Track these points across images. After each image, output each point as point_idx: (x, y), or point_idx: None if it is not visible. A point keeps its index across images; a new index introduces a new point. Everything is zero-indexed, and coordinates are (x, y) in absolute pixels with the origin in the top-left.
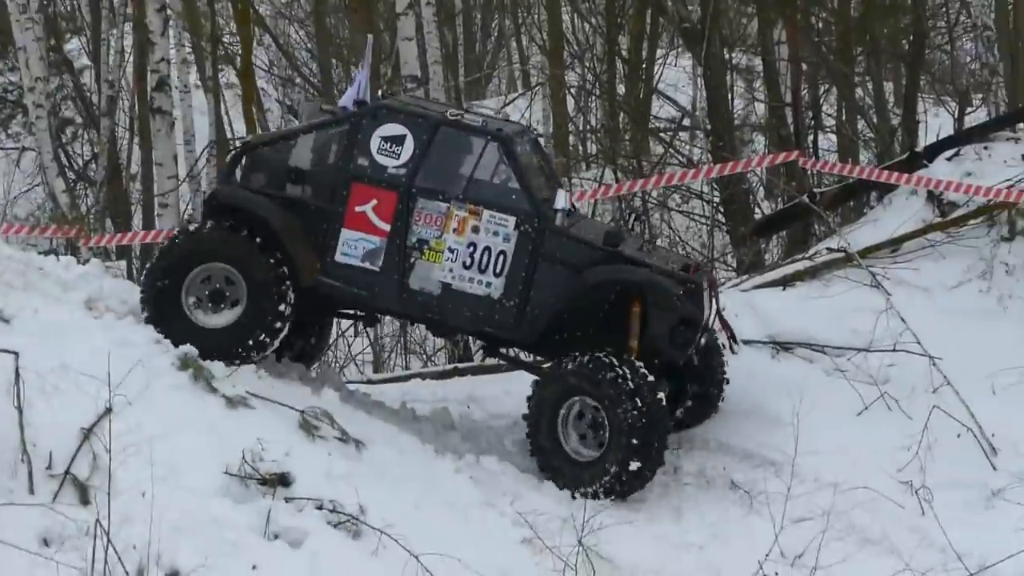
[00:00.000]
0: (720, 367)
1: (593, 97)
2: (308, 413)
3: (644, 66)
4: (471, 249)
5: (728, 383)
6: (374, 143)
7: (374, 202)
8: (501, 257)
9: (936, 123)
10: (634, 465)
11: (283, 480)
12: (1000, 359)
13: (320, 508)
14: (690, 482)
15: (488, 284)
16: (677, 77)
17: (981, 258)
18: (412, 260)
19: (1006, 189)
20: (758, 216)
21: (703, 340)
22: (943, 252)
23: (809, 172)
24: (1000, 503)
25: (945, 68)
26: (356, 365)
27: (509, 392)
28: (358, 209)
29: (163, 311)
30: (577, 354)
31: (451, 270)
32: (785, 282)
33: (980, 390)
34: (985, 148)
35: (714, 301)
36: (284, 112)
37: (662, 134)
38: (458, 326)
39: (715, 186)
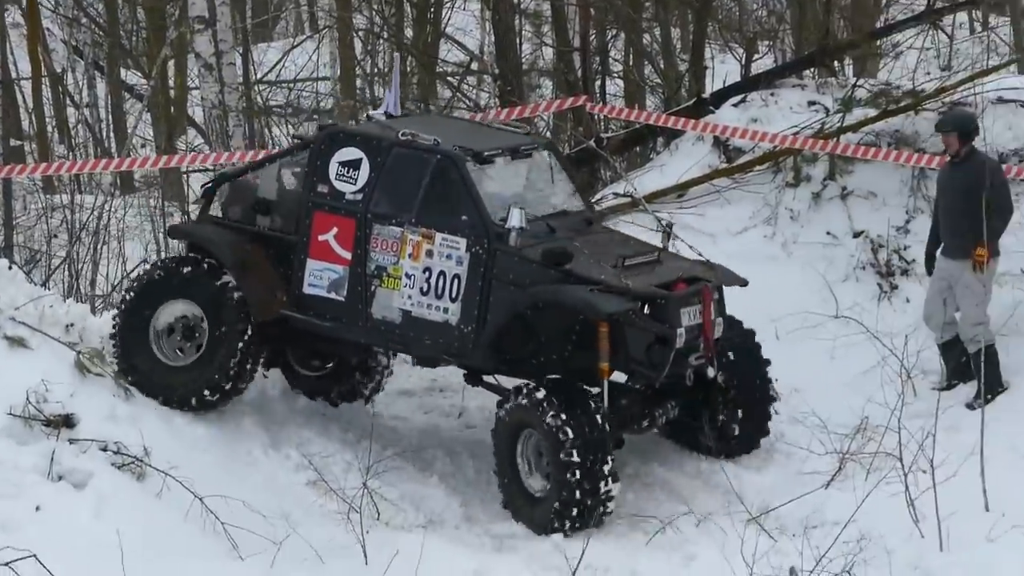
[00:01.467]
0: (754, 391)
1: (381, 41)
2: (84, 354)
3: (432, 10)
4: (427, 274)
5: (772, 413)
6: (332, 169)
7: (335, 230)
8: (456, 281)
9: (723, 69)
10: (575, 499)
11: (67, 422)
12: (784, 304)
13: (104, 450)
14: (477, 424)
15: (445, 310)
16: (465, 21)
17: (766, 204)
18: (373, 288)
19: (791, 136)
20: None
21: (696, 360)
22: (728, 198)
23: (596, 117)
24: (782, 447)
25: (732, 15)
26: None
27: None
28: (321, 238)
29: (129, 347)
30: (534, 383)
31: (410, 297)
32: None
33: (764, 336)
34: (771, 95)
35: (703, 316)
36: (88, 69)
37: (450, 78)
38: (421, 354)
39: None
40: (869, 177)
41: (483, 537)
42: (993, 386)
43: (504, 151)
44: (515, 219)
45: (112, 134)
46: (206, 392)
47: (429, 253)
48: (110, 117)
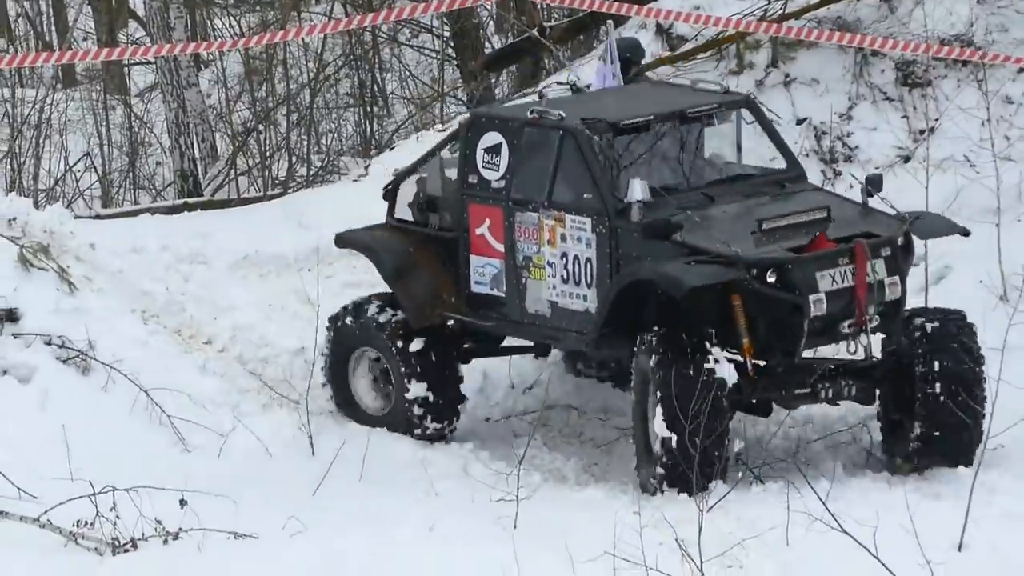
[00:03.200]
0: (953, 390)
1: None
2: (27, 248)
3: None
4: (564, 260)
5: (982, 416)
6: (479, 157)
7: (487, 222)
8: (588, 265)
9: None
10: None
11: (11, 316)
12: None
13: (49, 343)
14: None
15: (584, 297)
16: None
17: None
18: (524, 280)
19: (736, 19)
20: (488, 51)
21: (849, 328)
22: None
23: (539, 6)
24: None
25: None
26: (84, 200)
27: (249, 223)
28: (477, 232)
29: (341, 395)
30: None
31: (554, 286)
32: None
33: None
34: None
35: (857, 277)
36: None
37: None
38: (568, 348)
39: (445, 21)
40: (812, 64)
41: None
42: None
43: (661, 117)
44: (636, 191)
45: (53, 27)
46: (420, 432)
47: (563, 237)
48: (50, 10)
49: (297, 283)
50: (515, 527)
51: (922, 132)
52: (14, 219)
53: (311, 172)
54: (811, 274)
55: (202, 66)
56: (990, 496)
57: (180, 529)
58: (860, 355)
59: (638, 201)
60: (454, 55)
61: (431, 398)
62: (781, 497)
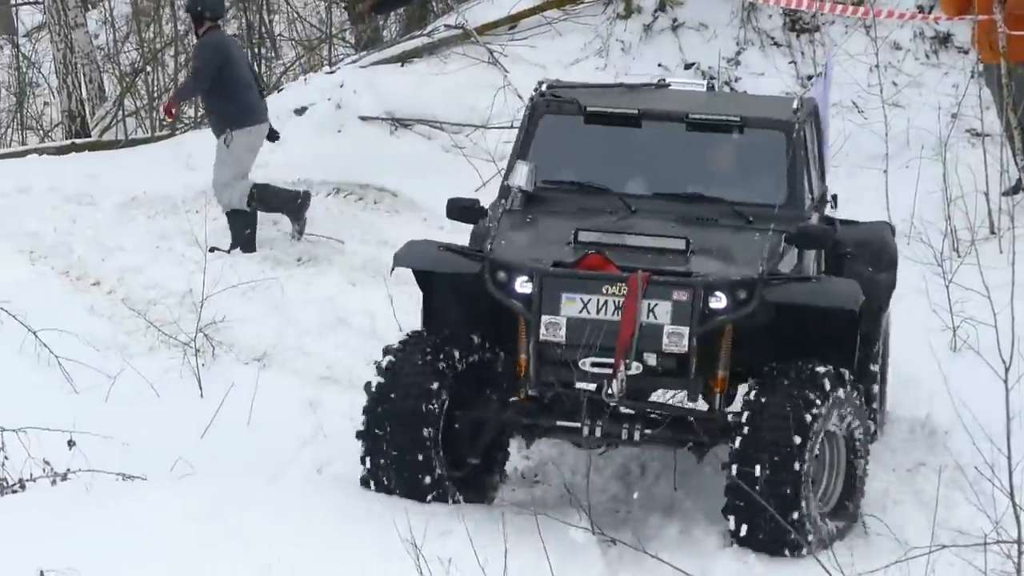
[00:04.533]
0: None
1: None
2: None
3: None
4: None
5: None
6: None
7: None
8: None
9: None
10: None
11: None
12: None
13: None
14: None
15: None
16: None
17: (597, 36)
18: None
19: None
20: None
21: (594, 368)
22: (560, 29)
23: None
24: None
25: None
26: None
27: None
28: None
29: None
30: None
31: None
32: (403, 59)
33: None
34: None
35: (624, 311)
36: None
37: None
38: None
39: None
40: (699, 9)
41: (319, 367)
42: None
43: (650, 115)
44: (516, 176)
45: None
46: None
47: None
48: None
49: (185, 224)
50: None
51: (810, 78)
52: None
53: (199, 113)
54: (555, 293)
55: (90, 6)
56: None
57: (68, 470)
58: (614, 399)
59: (517, 187)
60: None
61: None
62: None
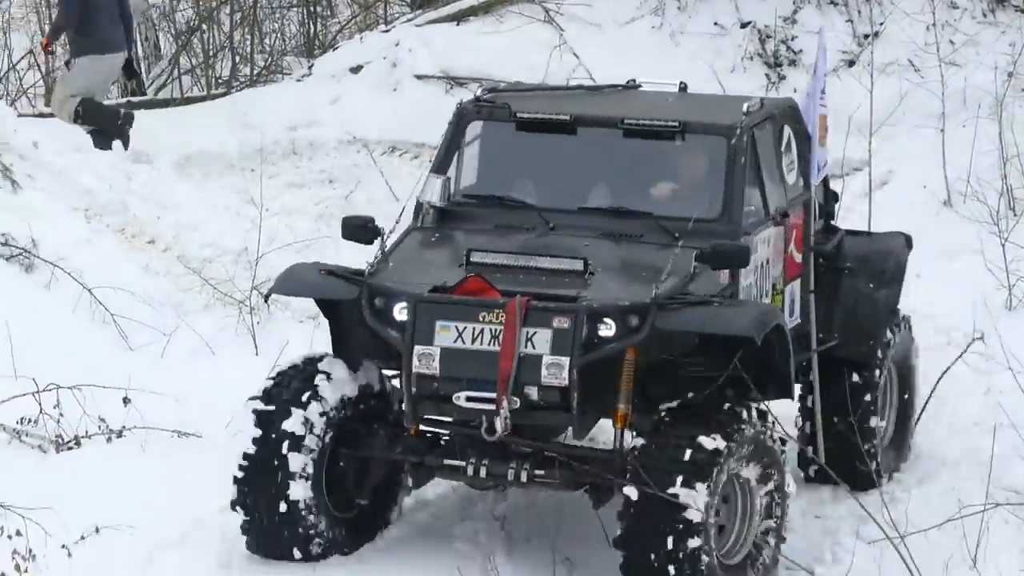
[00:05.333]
0: None
1: None
2: None
3: None
4: None
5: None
6: None
7: None
8: None
9: None
10: None
11: None
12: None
13: None
14: None
15: None
16: None
17: None
18: None
19: None
20: None
21: (469, 403)
22: None
23: None
24: None
25: None
26: (28, 98)
27: (192, 123)
28: None
29: None
30: None
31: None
32: (459, 17)
33: None
34: None
35: (503, 340)
36: None
37: None
38: None
39: None
40: None
41: None
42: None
43: (584, 121)
44: (428, 191)
45: None
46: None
47: None
48: None
49: (240, 183)
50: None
51: (867, 36)
52: None
53: (254, 72)
54: (429, 321)
55: None
56: None
57: (123, 427)
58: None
59: (427, 203)
60: None
61: None
62: None
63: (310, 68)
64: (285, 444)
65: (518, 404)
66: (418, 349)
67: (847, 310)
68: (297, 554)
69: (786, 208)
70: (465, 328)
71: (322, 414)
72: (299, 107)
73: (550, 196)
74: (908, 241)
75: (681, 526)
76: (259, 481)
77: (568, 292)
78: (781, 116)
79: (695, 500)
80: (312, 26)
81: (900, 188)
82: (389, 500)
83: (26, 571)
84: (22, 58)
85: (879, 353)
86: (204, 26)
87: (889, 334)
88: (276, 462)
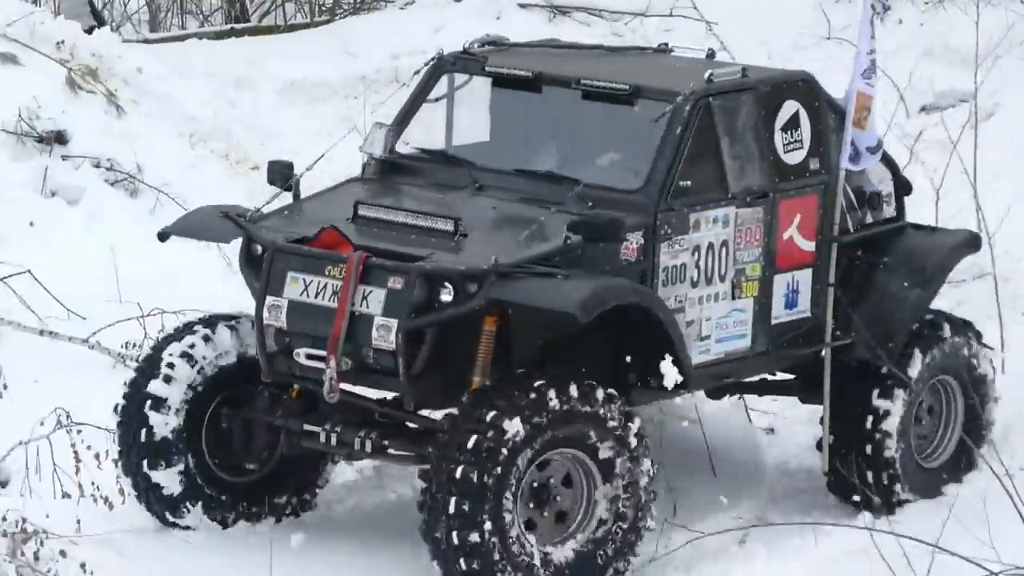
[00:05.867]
0: None
1: None
2: (76, 71)
3: None
4: None
5: None
6: None
7: None
8: None
9: None
10: None
11: (59, 138)
12: (777, 26)
13: (97, 166)
14: None
15: None
16: None
17: None
18: None
19: None
20: None
21: (308, 360)
22: None
23: None
24: None
25: None
26: (132, 24)
27: (295, 50)
28: None
29: None
30: None
31: None
32: None
33: (756, 56)
34: None
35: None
36: None
37: None
38: None
39: None
40: None
41: None
42: None
43: (546, 79)
44: (371, 142)
45: None
46: None
47: None
48: None
49: (343, 110)
50: None
51: None
52: (62, 42)
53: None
54: (282, 271)
55: None
56: None
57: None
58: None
59: (369, 154)
60: None
61: None
62: None
63: None
64: (147, 404)
65: (349, 365)
66: (269, 300)
67: (871, 307)
68: (169, 518)
69: (772, 189)
70: (312, 281)
71: (190, 376)
72: (402, 35)
73: (496, 156)
74: (973, 240)
75: (475, 515)
76: (125, 442)
77: (420, 252)
78: (778, 90)
79: (493, 489)
80: None
81: (1006, 120)
82: (310, 469)
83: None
84: None
85: (907, 371)
86: None
87: (921, 352)
88: (139, 423)
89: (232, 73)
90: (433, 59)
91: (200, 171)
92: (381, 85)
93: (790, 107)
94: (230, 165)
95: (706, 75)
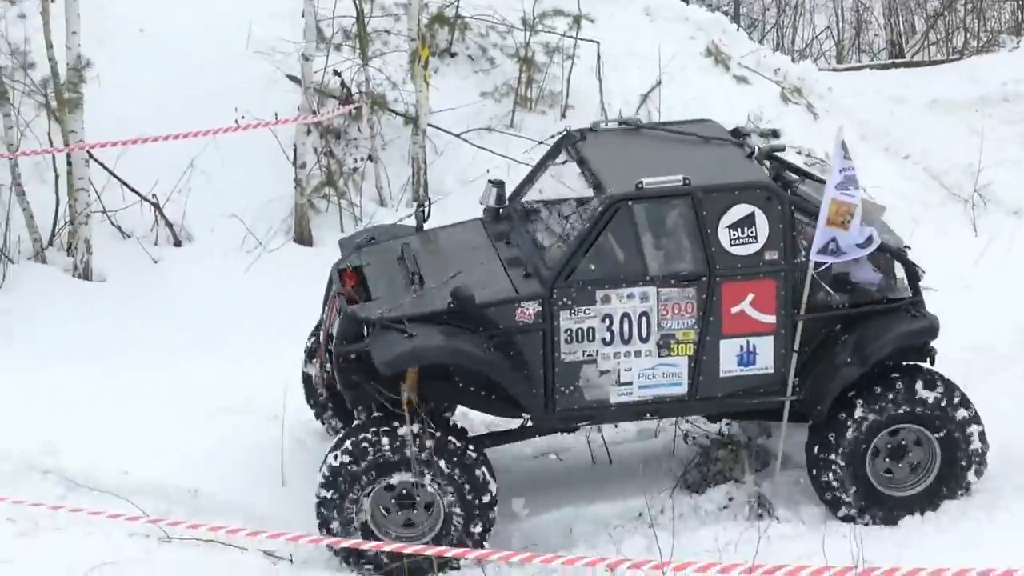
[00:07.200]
0: None
1: None
2: (786, 88)
3: None
4: None
5: None
6: None
7: None
8: None
9: None
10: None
11: (774, 133)
12: None
13: (799, 153)
14: None
15: None
16: None
17: None
18: None
19: None
20: None
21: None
22: None
23: None
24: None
25: None
26: (824, 57)
27: (936, 79)
28: None
29: None
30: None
31: None
32: None
33: None
34: None
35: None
36: None
37: None
38: None
39: None
40: None
41: None
42: None
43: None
44: (485, 196)
45: None
46: None
47: None
48: None
49: (972, 121)
50: None
51: None
52: (778, 69)
53: (979, 44)
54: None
55: None
56: None
57: None
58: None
59: (483, 204)
60: None
61: None
62: None
63: (1017, 43)
64: None
65: (327, 369)
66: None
67: (818, 372)
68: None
69: (709, 274)
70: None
71: None
72: (1012, 67)
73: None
74: (928, 330)
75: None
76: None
77: (390, 297)
78: (727, 196)
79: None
80: (1021, 13)
81: None
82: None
83: None
84: (821, 32)
85: (845, 432)
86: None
87: (861, 411)
88: None
89: (891, 93)
90: (560, 133)
91: (865, 160)
92: (995, 103)
93: (742, 209)
94: (890, 156)
95: (636, 183)
